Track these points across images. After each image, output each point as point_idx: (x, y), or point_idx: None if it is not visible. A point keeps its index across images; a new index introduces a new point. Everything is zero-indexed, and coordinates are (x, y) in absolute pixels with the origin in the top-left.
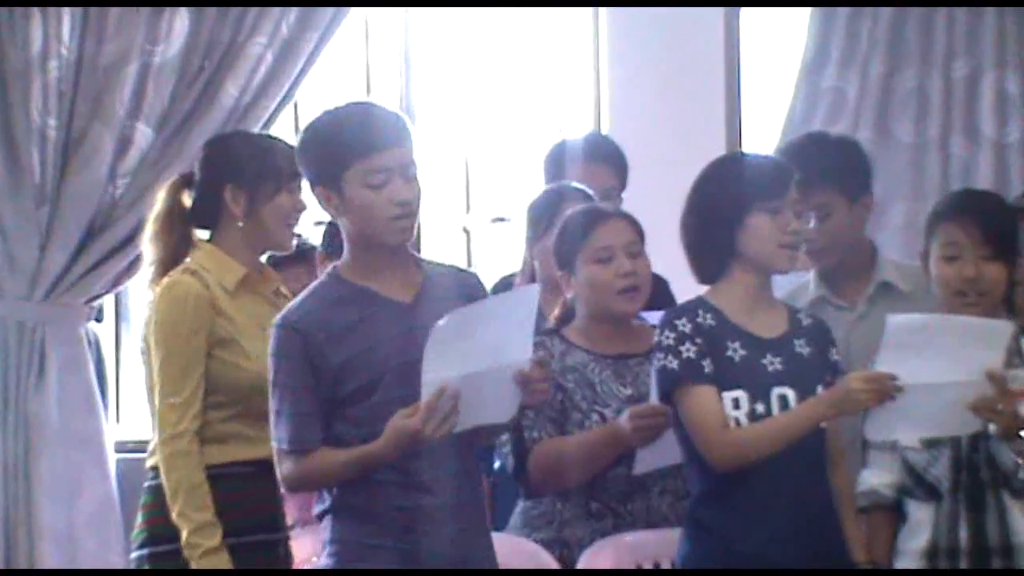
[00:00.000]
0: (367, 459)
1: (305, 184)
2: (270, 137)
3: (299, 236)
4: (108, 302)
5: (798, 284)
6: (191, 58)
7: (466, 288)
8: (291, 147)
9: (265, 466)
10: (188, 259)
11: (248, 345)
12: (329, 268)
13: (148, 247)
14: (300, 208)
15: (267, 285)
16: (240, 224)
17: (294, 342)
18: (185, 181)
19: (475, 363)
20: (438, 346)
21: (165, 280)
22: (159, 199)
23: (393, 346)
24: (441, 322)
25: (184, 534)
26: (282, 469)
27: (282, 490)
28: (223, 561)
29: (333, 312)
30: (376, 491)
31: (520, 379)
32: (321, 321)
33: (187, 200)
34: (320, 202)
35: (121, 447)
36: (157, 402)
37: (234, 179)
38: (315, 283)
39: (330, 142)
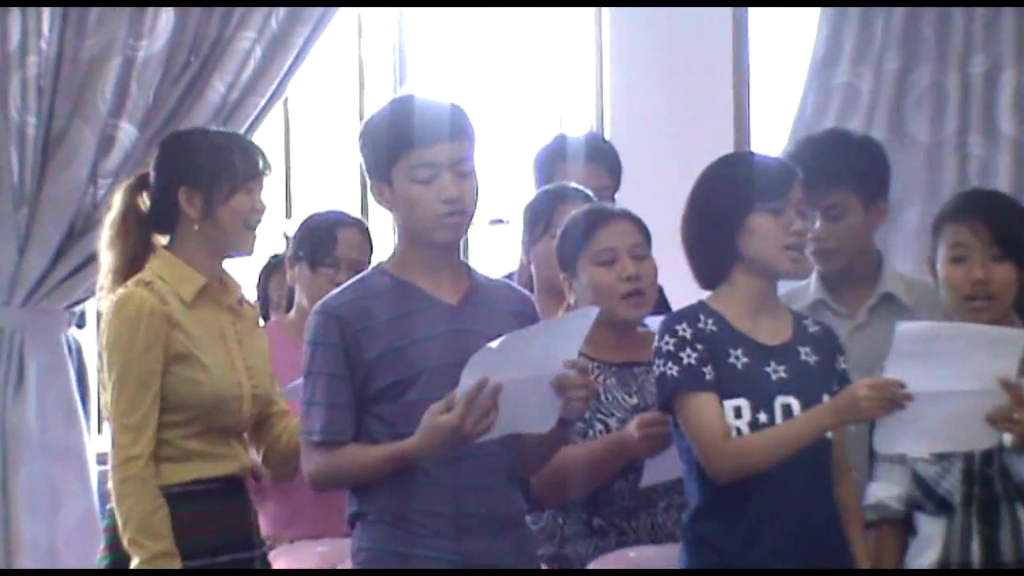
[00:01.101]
0: (401, 456)
1: (266, 184)
2: (229, 134)
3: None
4: (90, 307)
5: (796, 286)
6: (176, 53)
7: (517, 305)
8: (252, 144)
9: (234, 483)
10: (146, 268)
11: (208, 359)
12: (375, 264)
13: (104, 254)
14: (260, 209)
15: (229, 294)
16: (196, 228)
17: (332, 329)
18: (142, 183)
19: (516, 372)
20: (483, 359)
21: (118, 293)
22: (114, 202)
23: (433, 345)
24: (493, 344)
25: (135, 562)
26: (309, 464)
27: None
28: None
29: (375, 303)
30: (413, 494)
31: (557, 384)
32: (362, 310)
33: (144, 203)
34: (374, 195)
35: (103, 459)
36: (110, 411)
37: (188, 180)
38: (360, 275)
39: (380, 134)
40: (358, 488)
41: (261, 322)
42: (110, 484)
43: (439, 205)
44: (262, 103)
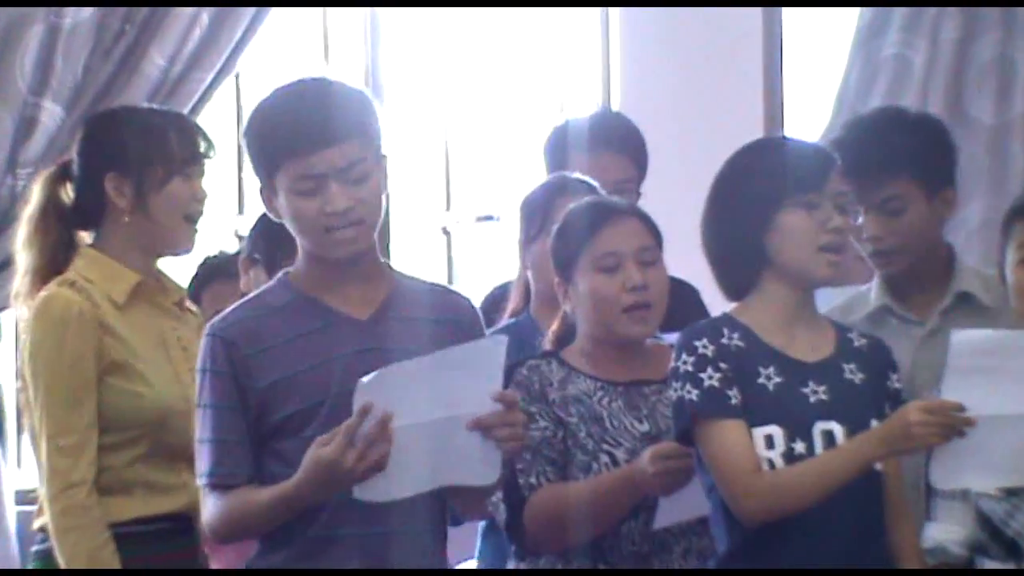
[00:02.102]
0: (286, 496)
1: (209, 170)
2: (164, 112)
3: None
4: (6, 319)
5: (856, 293)
6: (108, 21)
7: (449, 313)
8: (192, 124)
9: (184, 521)
10: (69, 270)
11: (147, 368)
12: (280, 274)
13: (21, 254)
14: (200, 198)
15: (167, 295)
16: (127, 220)
17: (219, 354)
18: (64, 172)
19: (428, 410)
20: (373, 388)
21: (39, 296)
22: (33, 194)
23: (336, 368)
24: (367, 377)
25: None
26: (204, 513)
27: (206, 548)
28: None
29: (270, 322)
30: (321, 549)
31: (475, 426)
32: (252, 331)
33: (67, 195)
34: (264, 204)
35: (23, 498)
36: (43, 448)
37: (116, 165)
38: (261, 288)
39: (258, 138)
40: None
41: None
42: (43, 519)
43: (323, 219)
44: (209, 79)
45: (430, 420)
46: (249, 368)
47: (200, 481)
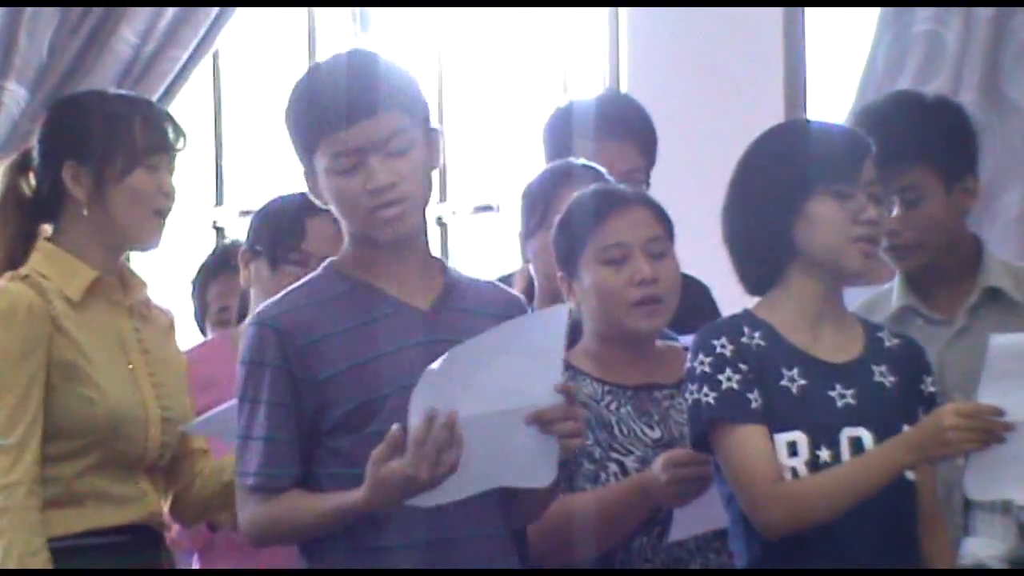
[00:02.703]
0: (350, 510)
1: (179, 161)
2: (131, 99)
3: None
4: None
5: (877, 292)
6: None
7: (502, 308)
8: (160, 112)
9: (143, 535)
10: (25, 265)
11: (99, 372)
12: (324, 263)
13: None
14: (166, 191)
15: (129, 293)
16: (85, 213)
17: (271, 345)
18: (26, 160)
19: (481, 402)
20: (429, 387)
21: None
22: None
23: (402, 361)
24: (434, 365)
25: None
26: (244, 512)
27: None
28: None
29: (325, 311)
30: (375, 555)
31: (533, 420)
32: (306, 321)
33: (29, 185)
34: (308, 187)
35: None
36: None
37: (74, 153)
38: (306, 277)
39: (294, 117)
40: (305, 546)
41: (201, 337)
42: None
43: (366, 198)
44: (184, 57)
45: (488, 412)
46: (306, 360)
47: (243, 481)
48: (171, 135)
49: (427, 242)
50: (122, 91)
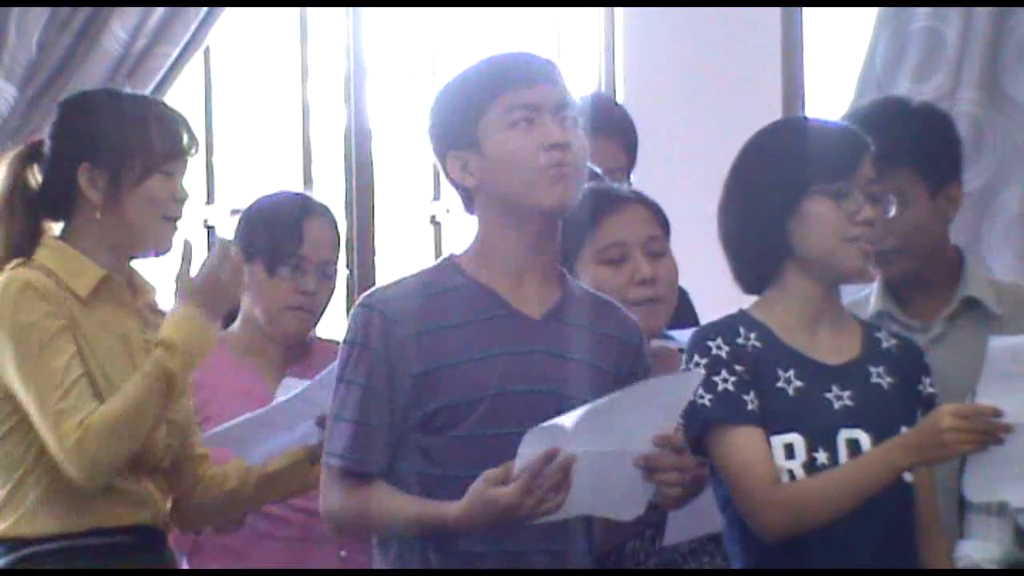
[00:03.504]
0: (439, 522)
1: (189, 168)
2: (145, 100)
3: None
4: None
5: (856, 297)
6: None
7: (616, 329)
8: (174, 114)
9: (149, 536)
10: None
11: (108, 368)
12: (444, 256)
13: None
14: (180, 198)
15: (138, 295)
16: (98, 216)
17: (375, 328)
18: (33, 152)
19: (599, 443)
20: (548, 432)
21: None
22: None
23: (504, 366)
24: (566, 420)
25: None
26: (328, 495)
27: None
28: None
29: (436, 304)
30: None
31: (643, 464)
32: (414, 311)
33: (35, 178)
34: (452, 175)
35: None
36: (37, 420)
37: (92, 156)
38: (422, 269)
39: (460, 92)
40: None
41: None
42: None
43: (541, 154)
44: (175, 54)
45: (597, 451)
46: (406, 350)
47: (330, 461)
48: (185, 139)
49: (556, 251)
50: (135, 91)
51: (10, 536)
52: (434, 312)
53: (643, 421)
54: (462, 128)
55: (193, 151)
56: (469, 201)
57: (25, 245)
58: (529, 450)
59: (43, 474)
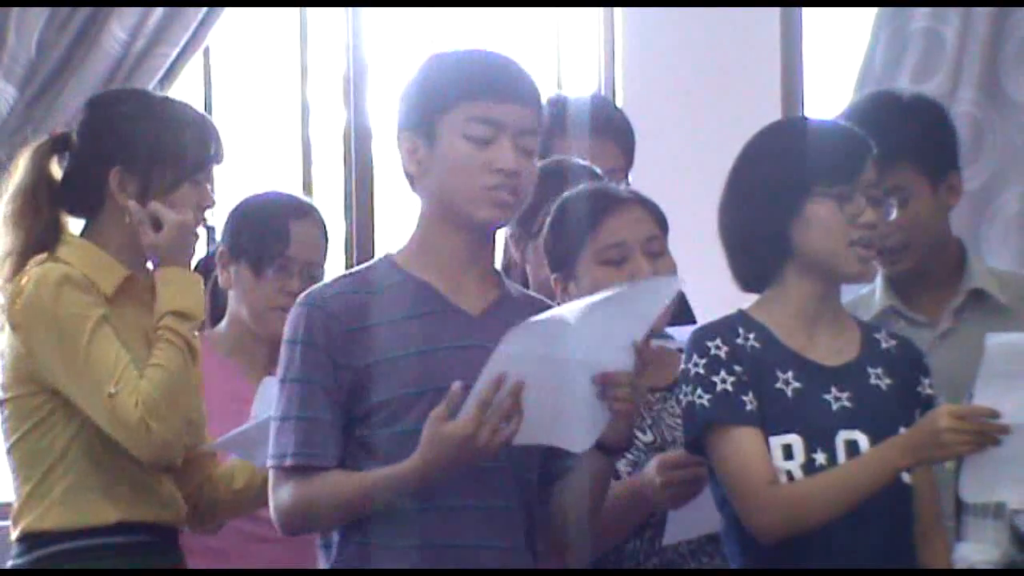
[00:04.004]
0: (400, 479)
1: (216, 173)
2: (177, 104)
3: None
4: None
5: (857, 296)
6: None
7: None
8: (204, 121)
9: (168, 535)
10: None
11: (136, 363)
12: (382, 255)
13: (2, 234)
14: (207, 204)
15: (155, 298)
16: (127, 220)
17: (317, 326)
18: (57, 145)
19: (560, 351)
20: (517, 340)
21: (33, 271)
22: (20, 168)
23: (445, 360)
24: (534, 318)
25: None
26: (279, 496)
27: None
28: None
29: (375, 300)
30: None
31: (602, 381)
32: (354, 306)
33: (57, 172)
34: (401, 150)
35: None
36: (93, 410)
37: (124, 160)
38: (360, 266)
39: (434, 78)
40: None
41: None
42: (21, 529)
43: (488, 174)
44: (174, 54)
45: (560, 357)
46: (348, 345)
47: (281, 463)
48: (214, 147)
49: (493, 253)
50: (166, 95)
51: (34, 530)
52: (373, 308)
53: (615, 331)
54: (423, 115)
55: (221, 159)
56: (411, 183)
57: (47, 239)
58: (518, 346)
59: (69, 468)
